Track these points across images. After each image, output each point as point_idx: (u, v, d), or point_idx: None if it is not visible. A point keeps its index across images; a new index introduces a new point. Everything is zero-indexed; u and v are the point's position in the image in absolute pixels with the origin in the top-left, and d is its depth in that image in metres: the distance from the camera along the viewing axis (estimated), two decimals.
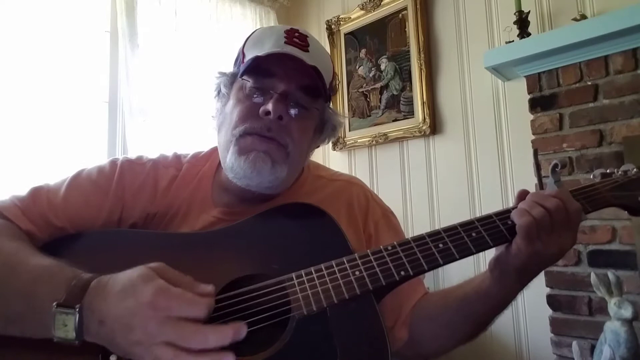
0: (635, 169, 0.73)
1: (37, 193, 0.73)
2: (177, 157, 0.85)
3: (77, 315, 0.48)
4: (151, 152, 0.87)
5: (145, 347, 0.47)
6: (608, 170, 0.74)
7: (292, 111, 0.73)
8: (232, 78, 0.77)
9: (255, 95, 0.73)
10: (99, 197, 0.75)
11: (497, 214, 0.66)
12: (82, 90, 2.10)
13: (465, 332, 0.75)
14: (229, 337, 0.48)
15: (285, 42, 0.72)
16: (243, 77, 0.73)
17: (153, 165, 0.82)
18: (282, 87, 0.71)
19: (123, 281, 0.50)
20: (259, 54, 0.69)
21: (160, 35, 2.29)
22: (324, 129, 0.82)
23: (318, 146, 0.86)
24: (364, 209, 0.84)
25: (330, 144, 2.66)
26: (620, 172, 0.73)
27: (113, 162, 0.80)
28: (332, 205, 0.81)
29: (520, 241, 0.62)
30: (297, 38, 0.74)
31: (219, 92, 0.80)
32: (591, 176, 0.75)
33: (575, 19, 1.72)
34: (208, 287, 0.52)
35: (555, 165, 0.68)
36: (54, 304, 0.49)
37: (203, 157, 0.85)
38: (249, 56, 0.73)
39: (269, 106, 0.69)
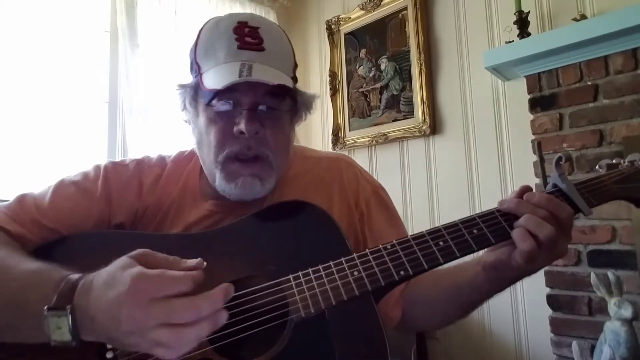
0: None
1: (23, 199, 0.73)
2: (161, 157, 0.85)
3: (70, 317, 0.48)
4: (151, 153, 0.88)
5: (139, 334, 0.46)
6: (614, 161, 0.71)
7: (266, 118, 0.71)
8: (193, 91, 0.75)
9: (225, 114, 0.71)
10: (86, 200, 0.75)
11: (499, 209, 0.64)
12: (82, 90, 2.10)
13: (456, 316, 0.77)
14: (220, 300, 0.48)
15: (238, 47, 0.69)
16: (212, 104, 0.70)
17: (137, 164, 0.82)
18: (249, 100, 0.69)
19: (104, 274, 0.50)
20: (219, 88, 0.65)
21: (160, 35, 2.28)
22: (300, 114, 0.80)
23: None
24: (355, 186, 0.84)
25: (330, 143, 2.68)
26: (626, 163, 0.70)
27: (97, 167, 0.80)
28: (324, 186, 0.82)
29: (522, 263, 0.60)
30: (250, 36, 0.70)
31: (184, 105, 0.78)
32: (597, 166, 0.72)
33: (575, 19, 1.71)
34: (193, 261, 0.51)
35: (559, 159, 0.66)
36: (45, 307, 0.49)
37: (187, 156, 0.85)
38: (205, 68, 0.71)
39: (242, 126, 0.68)
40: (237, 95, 0.70)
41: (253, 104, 0.70)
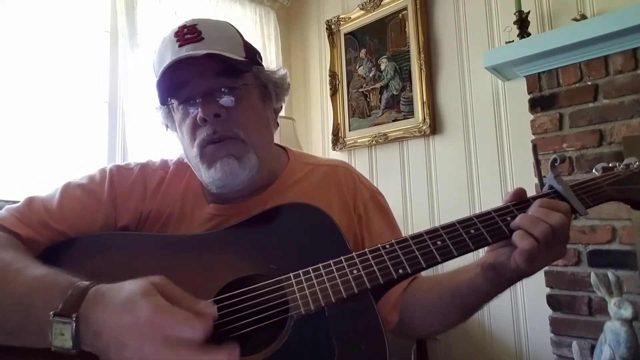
0: (637, 162, 0.71)
1: (32, 202, 0.74)
2: (164, 161, 0.87)
3: (74, 325, 0.48)
4: (154, 156, 0.90)
5: None
6: (610, 164, 0.72)
7: (225, 100, 0.72)
8: (165, 108, 0.79)
9: (188, 110, 0.73)
10: (93, 203, 0.76)
11: (496, 210, 0.65)
12: (82, 90, 2.10)
13: (455, 320, 0.76)
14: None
15: (179, 46, 0.71)
16: (169, 103, 0.75)
17: (141, 168, 0.83)
18: (200, 88, 0.72)
19: (124, 294, 0.49)
20: (157, 78, 0.70)
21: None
22: (269, 92, 0.81)
23: (279, 109, 0.85)
24: (352, 190, 0.85)
25: (330, 143, 2.68)
26: (622, 166, 0.72)
27: (102, 170, 0.81)
28: (323, 191, 0.83)
29: (522, 262, 0.60)
30: (188, 33, 0.73)
31: (166, 126, 0.82)
32: (593, 170, 0.73)
33: (575, 19, 1.71)
34: (209, 306, 0.50)
35: (555, 160, 0.67)
36: (51, 313, 0.48)
37: None
38: None
39: (200, 113, 0.70)
40: (190, 88, 0.72)
41: (207, 90, 0.72)
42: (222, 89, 0.72)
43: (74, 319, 0.48)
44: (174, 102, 0.74)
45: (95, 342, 0.48)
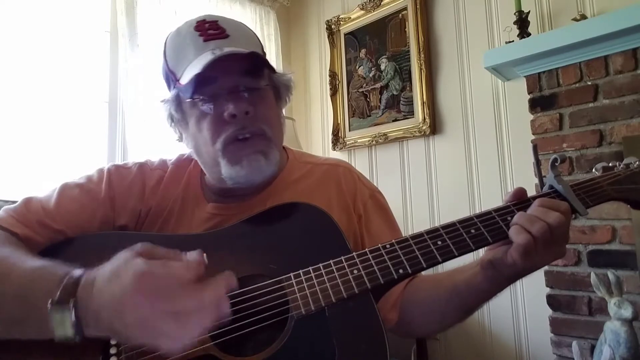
0: (637, 162, 0.71)
1: (29, 202, 0.74)
2: (163, 160, 0.87)
3: (73, 312, 0.48)
4: (153, 155, 0.89)
5: (143, 325, 0.46)
6: (610, 164, 0.73)
7: (251, 97, 0.73)
8: (177, 100, 0.76)
9: (211, 106, 0.72)
10: (91, 202, 0.76)
11: (496, 210, 0.66)
12: (82, 90, 2.10)
13: (454, 319, 0.77)
14: (222, 287, 0.48)
15: (204, 41, 0.71)
16: (196, 98, 0.72)
17: (139, 167, 0.83)
18: (229, 85, 0.71)
19: (108, 269, 0.50)
20: (197, 71, 0.67)
21: (160, 35, 2.28)
22: (280, 93, 0.82)
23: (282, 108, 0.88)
24: (352, 189, 0.85)
25: (330, 143, 2.68)
26: (622, 166, 0.72)
27: (100, 170, 0.81)
28: (323, 190, 0.83)
29: (518, 258, 0.60)
30: (211, 29, 0.72)
31: (172, 118, 0.79)
32: (593, 170, 0.74)
33: (575, 19, 1.71)
34: (193, 253, 0.51)
35: (555, 160, 0.67)
36: (49, 302, 0.49)
37: (187, 159, 0.86)
38: (180, 72, 0.72)
39: (231, 109, 0.70)
40: (216, 85, 0.71)
41: (234, 87, 0.72)
42: (248, 87, 0.73)
43: (72, 305, 0.48)
44: (199, 97, 0.72)
45: (99, 324, 0.48)
